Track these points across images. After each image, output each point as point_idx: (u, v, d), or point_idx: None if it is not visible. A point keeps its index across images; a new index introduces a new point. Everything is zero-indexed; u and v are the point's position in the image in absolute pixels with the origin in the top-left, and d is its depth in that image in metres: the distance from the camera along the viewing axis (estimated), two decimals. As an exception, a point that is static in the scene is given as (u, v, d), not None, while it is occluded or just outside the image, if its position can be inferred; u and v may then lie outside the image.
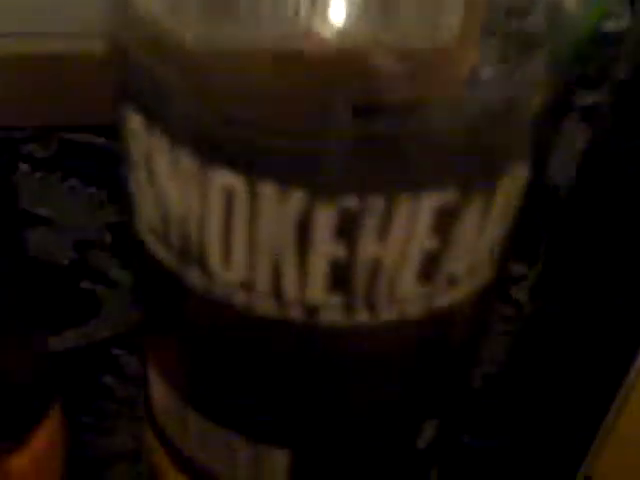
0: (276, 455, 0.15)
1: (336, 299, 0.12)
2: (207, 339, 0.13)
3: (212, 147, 0.11)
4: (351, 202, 0.11)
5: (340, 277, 0.12)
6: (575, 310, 0.17)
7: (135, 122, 0.12)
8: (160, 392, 0.16)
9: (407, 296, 0.12)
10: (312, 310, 0.12)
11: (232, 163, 0.11)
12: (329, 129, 0.10)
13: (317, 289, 0.12)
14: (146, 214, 0.13)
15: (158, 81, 0.11)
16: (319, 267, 0.11)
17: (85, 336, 0.25)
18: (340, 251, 0.11)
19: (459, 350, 0.14)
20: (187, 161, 0.11)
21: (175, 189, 0.12)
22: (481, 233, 0.12)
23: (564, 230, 0.18)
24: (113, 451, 0.23)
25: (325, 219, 0.11)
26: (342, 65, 0.10)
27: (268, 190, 0.11)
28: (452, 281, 0.12)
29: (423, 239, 0.11)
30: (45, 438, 0.19)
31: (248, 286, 0.12)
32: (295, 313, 0.12)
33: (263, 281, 0.12)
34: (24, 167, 0.30)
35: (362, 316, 0.12)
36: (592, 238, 0.16)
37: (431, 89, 0.11)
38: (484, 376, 0.25)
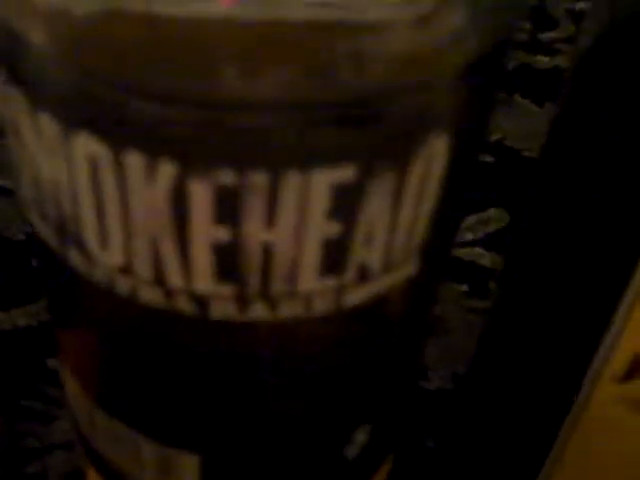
0: (184, 460, 0.13)
1: (226, 290, 0.10)
2: (95, 329, 0.12)
3: (72, 109, 0.09)
4: (228, 178, 0.09)
5: (228, 264, 0.10)
6: (542, 299, 0.15)
7: (-3, 79, 0.10)
8: (68, 382, 0.15)
9: (311, 290, 0.10)
10: (201, 301, 0.11)
11: (93, 128, 0.09)
12: (202, 94, 0.09)
13: (203, 277, 0.10)
14: (24, 187, 0.11)
15: (14, 36, 0.09)
16: (202, 252, 0.10)
17: (34, 315, 0.24)
18: (223, 235, 0.10)
19: (385, 351, 0.12)
20: (48, 126, 0.10)
21: (41, 157, 0.10)
22: (395, 217, 0.10)
23: (530, 211, 0.16)
24: (53, 439, 0.21)
25: (201, 197, 0.09)
26: (229, 32, 0.09)
27: (134, 161, 0.09)
28: (365, 274, 0.11)
29: (320, 223, 0.10)
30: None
31: (128, 271, 0.11)
32: (183, 304, 0.11)
33: (143, 266, 0.10)
34: (-12, 136, 0.29)
35: (259, 311, 0.11)
36: (560, 221, 0.15)
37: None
38: (454, 376, 0.23)
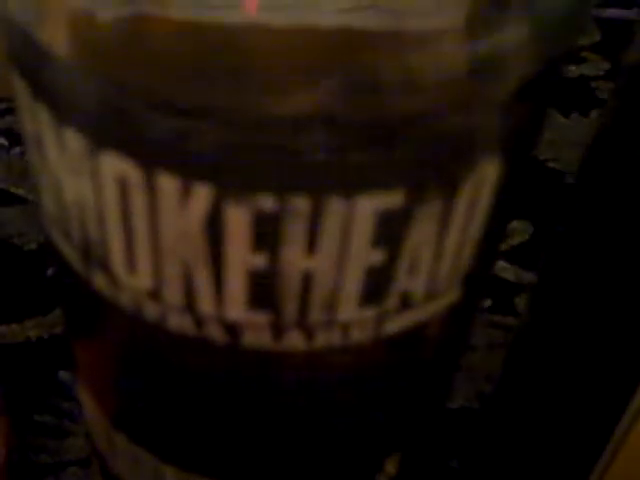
0: (208, 488, 0.13)
1: (261, 318, 0.10)
2: (121, 355, 0.11)
3: (98, 125, 0.09)
4: (267, 203, 0.08)
5: (264, 292, 0.09)
6: (579, 317, 0.15)
7: (22, 92, 0.10)
8: (86, 404, 0.14)
9: (350, 319, 0.10)
10: (233, 329, 0.10)
11: (124, 148, 0.09)
12: (238, 110, 0.08)
13: (236, 304, 0.10)
14: (46, 203, 0.11)
15: (37, 45, 0.09)
16: (236, 279, 0.09)
17: (47, 326, 0.23)
18: (260, 261, 0.09)
19: (421, 381, 0.12)
20: (74, 142, 0.09)
21: (65, 176, 0.10)
22: (441, 244, 0.09)
23: (566, 229, 0.15)
24: (67, 455, 0.21)
25: (238, 222, 0.09)
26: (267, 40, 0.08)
27: (167, 183, 0.09)
28: (407, 302, 0.10)
29: (364, 251, 0.09)
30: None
31: (157, 297, 0.10)
32: (214, 332, 0.10)
33: (173, 291, 0.10)
34: (2, 141, 0.28)
35: (294, 340, 0.10)
36: (596, 238, 0.14)
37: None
38: (479, 395, 0.23)
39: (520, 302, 0.24)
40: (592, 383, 0.15)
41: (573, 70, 0.30)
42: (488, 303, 0.25)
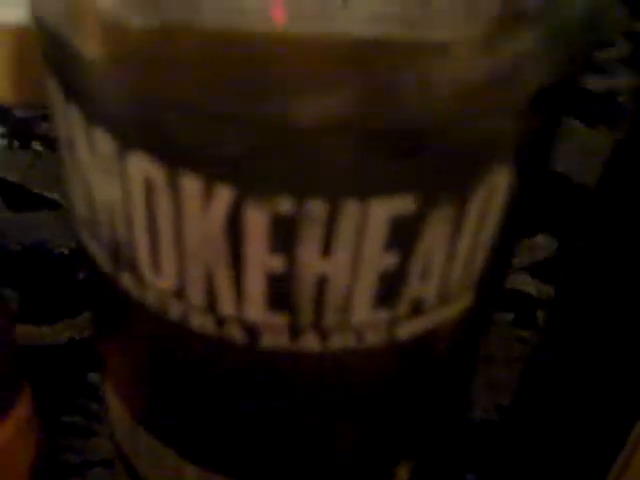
0: (226, 486, 0.13)
1: (278, 319, 0.10)
2: (145, 354, 0.12)
3: (129, 128, 0.09)
4: (285, 206, 0.09)
5: (282, 294, 0.10)
6: (595, 331, 0.15)
7: (55, 93, 0.10)
8: (112, 403, 0.14)
9: (363, 322, 0.10)
10: (253, 330, 0.10)
11: (150, 149, 0.09)
12: (261, 118, 0.08)
13: (255, 306, 0.10)
14: (77, 205, 0.11)
15: (68, 48, 0.09)
16: (255, 280, 0.10)
17: (77, 329, 0.24)
18: (277, 263, 0.09)
19: (433, 387, 0.12)
20: (104, 143, 0.09)
21: (95, 177, 0.10)
22: (453, 249, 0.10)
23: (584, 243, 0.15)
24: (93, 455, 0.21)
25: (257, 225, 0.09)
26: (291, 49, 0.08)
27: (190, 185, 0.09)
28: (419, 306, 0.10)
29: (378, 255, 0.09)
30: (10, 432, 0.18)
31: (181, 297, 0.10)
32: (234, 332, 0.10)
33: (196, 292, 0.10)
34: (37, 147, 0.29)
35: (310, 341, 0.10)
36: (613, 252, 0.14)
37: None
38: (498, 407, 0.23)
39: (542, 316, 0.25)
40: (608, 398, 0.15)
41: (602, 83, 0.30)
42: (510, 317, 0.25)
